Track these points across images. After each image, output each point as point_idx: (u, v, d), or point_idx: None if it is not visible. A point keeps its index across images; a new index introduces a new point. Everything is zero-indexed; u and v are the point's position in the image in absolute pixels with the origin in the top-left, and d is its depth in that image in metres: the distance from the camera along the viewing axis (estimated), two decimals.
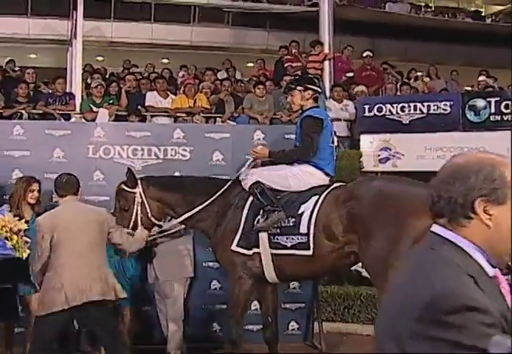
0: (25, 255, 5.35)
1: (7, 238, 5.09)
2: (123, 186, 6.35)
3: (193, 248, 7.08)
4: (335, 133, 6.47)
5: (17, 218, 5.44)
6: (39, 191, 6.57)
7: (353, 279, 8.26)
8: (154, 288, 7.01)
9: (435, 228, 1.99)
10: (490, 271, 1.90)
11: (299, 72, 12.35)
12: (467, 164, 1.95)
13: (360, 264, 7.98)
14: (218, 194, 6.13)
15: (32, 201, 6.51)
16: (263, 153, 6.19)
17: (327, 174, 6.01)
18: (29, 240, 5.49)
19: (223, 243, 5.97)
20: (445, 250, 1.92)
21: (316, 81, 6.49)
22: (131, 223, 6.23)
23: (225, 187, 6.15)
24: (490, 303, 1.76)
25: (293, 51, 13.59)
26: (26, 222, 5.74)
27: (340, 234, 5.43)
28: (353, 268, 8.13)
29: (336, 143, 6.43)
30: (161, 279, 6.76)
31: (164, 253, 6.82)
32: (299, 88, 6.14)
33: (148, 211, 6.26)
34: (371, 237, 5.24)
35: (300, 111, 6.29)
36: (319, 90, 6.37)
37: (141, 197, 6.24)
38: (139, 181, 6.30)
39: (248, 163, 6.31)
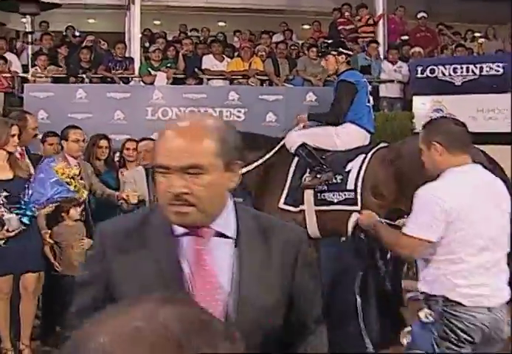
0: (84, 195, 5.80)
1: (68, 183, 5.49)
2: None
3: None
4: (371, 93, 6.62)
5: (66, 164, 5.82)
6: (107, 147, 6.87)
7: None
8: None
9: None
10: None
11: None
12: None
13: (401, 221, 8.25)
14: (272, 152, 6.31)
15: (102, 157, 6.87)
16: (303, 118, 6.43)
17: (368, 131, 6.26)
18: (83, 182, 5.91)
19: (267, 201, 6.15)
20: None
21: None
22: None
23: (277, 147, 6.35)
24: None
25: (346, 14, 13.63)
26: (98, 175, 6.48)
27: (387, 192, 5.63)
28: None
29: (372, 102, 6.57)
30: None
31: None
32: (333, 52, 6.35)
33: None
34: None
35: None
36: (351, 53, 6.61)
37: None
38: None
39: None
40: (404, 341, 3.53)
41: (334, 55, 6.35)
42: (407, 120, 10.10)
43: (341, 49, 6.39)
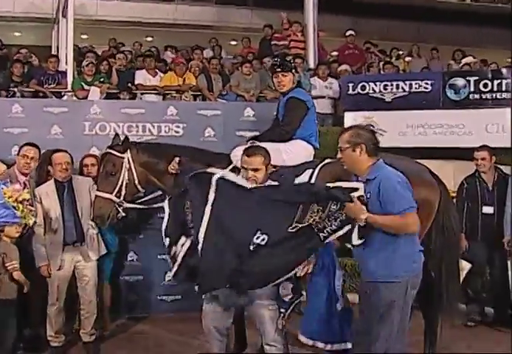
0: (31, 222, 5.67)
1: (14, 207, 5.39)
2: (111, 151, 6.31)
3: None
4: None
5: (20, 187, 5.72)
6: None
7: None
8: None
9: None
10: None
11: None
12: None
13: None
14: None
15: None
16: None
17: (315, 148, 6.39)
18: (33, 208, 5.82)
19: None
20: None
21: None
22: (116, 189, 6.21)
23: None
24: None
25: (284, 30, 13.69)
26: None
27: None
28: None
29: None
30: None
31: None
32: (293, 70, 6.46)
33: (135, 177, 6.25)
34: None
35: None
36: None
37: (129, 163, 6.23)
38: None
39: None
40: None
41: (293, 74, 6.45)
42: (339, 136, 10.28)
43: (297, 68, 6.51)
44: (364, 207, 4.36)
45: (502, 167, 7.91)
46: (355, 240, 4.46)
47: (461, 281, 6.19)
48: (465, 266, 6.98)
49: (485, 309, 7.79)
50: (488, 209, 7.57)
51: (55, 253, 6.40)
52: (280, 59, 6.53)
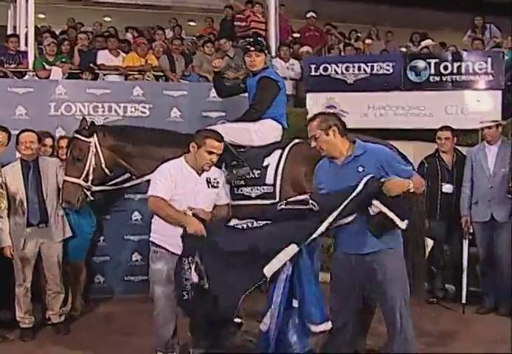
0: (2, 206, 5.68)
1: None
2: (77, 136, 6.33)
3: None
4: None
5: None
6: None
7: None
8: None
9: None
10: None
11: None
12: None
13: None
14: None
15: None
16: None
17: (283, 128, 6.47)
18: (3, 192, 5.82)
19: None
20: None
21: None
22: (83, 174, 6.24)
23: None
24: None
25: (246, 11, 13.68)
26: None
27: (307, 185, 5.84)
28: None
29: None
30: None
31: None
32: (266, 51, 6.52)
33: (102, 161, 6.28)
34: None
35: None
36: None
37: (96, 147, 6.25)
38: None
39: None
40: None
41: (265, 54, 6.52)
42: (301, 117, 10.35)
43: (268, 49, 6.58)
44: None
45: (459, 147, 8.08)
46: (402, 224, 4.48)
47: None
48: (429, 243, 7.16)
49: (446, 286, 8.00)
50: (447, 189, 7.73)
51: (19, 234, 6.38)
52: (254, 39, 6.60)
